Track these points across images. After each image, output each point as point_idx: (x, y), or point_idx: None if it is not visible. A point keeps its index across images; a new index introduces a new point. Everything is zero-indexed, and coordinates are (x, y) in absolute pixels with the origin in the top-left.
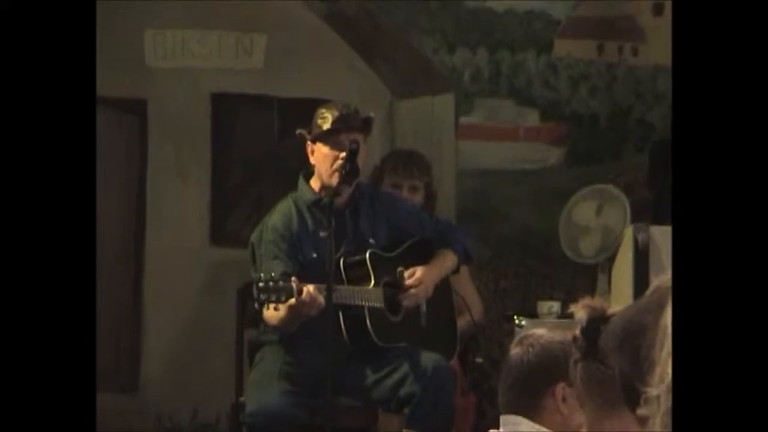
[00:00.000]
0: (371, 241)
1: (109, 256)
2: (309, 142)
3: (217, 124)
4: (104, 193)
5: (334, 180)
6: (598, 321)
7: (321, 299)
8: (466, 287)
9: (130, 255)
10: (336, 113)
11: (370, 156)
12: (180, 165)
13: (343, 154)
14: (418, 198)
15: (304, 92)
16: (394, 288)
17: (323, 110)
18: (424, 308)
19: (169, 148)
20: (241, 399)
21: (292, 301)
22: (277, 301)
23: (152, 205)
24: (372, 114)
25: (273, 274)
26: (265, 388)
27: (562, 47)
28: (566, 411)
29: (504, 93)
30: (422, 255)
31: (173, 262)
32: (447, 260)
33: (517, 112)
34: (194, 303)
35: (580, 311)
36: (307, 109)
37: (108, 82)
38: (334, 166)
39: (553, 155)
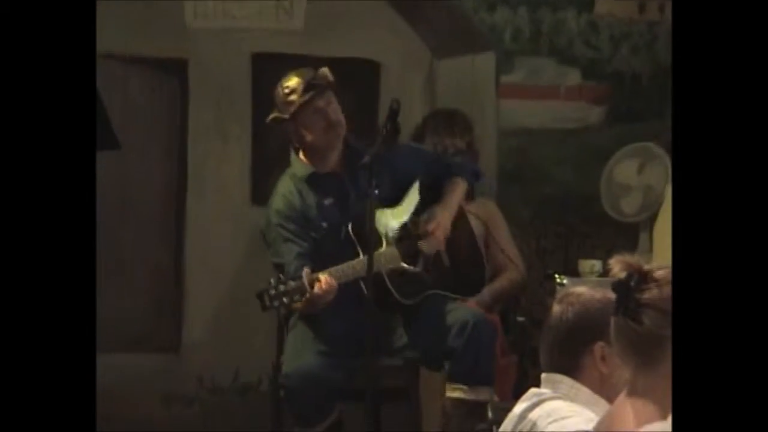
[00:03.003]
0: (376, 192)
1: (151, 218)
2: (289, 121)
3: (258, 84)
4: (145, 155)
5: (328, 143)
6: (632, 278)
7: (334, 284)
8: (507, 246)
9: (172, 216)
10: (300, 81)
11: (412, 115)
12: (221, 126)
13: (332, 117)
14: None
15: (344, 52)
16: (408, 239)
17: (285, 85)
18: (443, 247)
19: (210, 110)
20: (282, 359)
21: (307, 295)
22: (291, 302)
23: (193, 167)
24: (326, 69)
25: (281, 277)
26: (301, 350)
27: (603, 6)
28: (605, 370)
29: (545, 52)
30: (431, 197)
31: (215, 223)
32: (457, 189)
33: (558, 71)
34: (236, 264)
35: (616, 267)
36: (347, 70)
37: (148, 44)
38: (323, 131)
39: (594, 114)
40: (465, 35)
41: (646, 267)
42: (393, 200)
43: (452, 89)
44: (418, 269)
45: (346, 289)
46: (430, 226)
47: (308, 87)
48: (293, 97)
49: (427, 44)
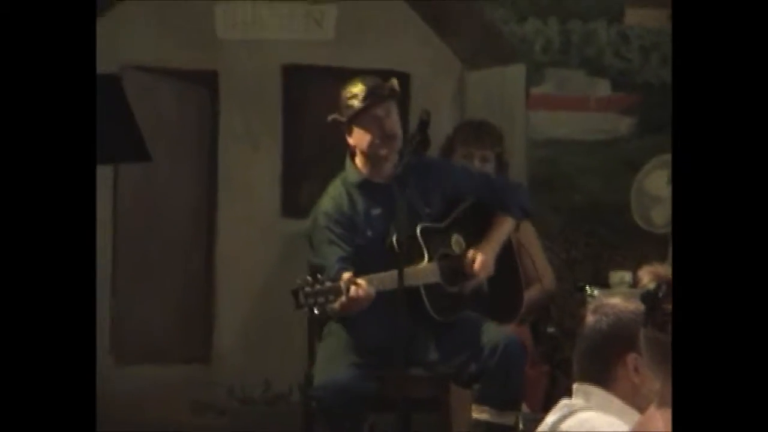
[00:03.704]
0: (427, 210)
1: (182, 229)
2: (345, 125)
3: (288, 95)
4: (176, 166)
5: (382, 154)
6: (661, 288)
7: (371, 292)
8: (537, 257)
9: (203, 226)
10: (363, 88)
11: (442, 127)
12: (251, 137)
13: (388, 128)
14: (488, 168)
15: (374, 63)
16: (450, 258)
17: (349, 90)
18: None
19: (240, 120)
20: (313, 370)
21: (342, 299)
22: (326, 302)
23: (224, 177)
24: (395, 80)
25: (319, 276)
26: (332, 362)
27: (633, 16)
28: (638, 380)
29: (575, 63)
30: (478, 217)
31: (245, 234)
32: (504, 227)
33: (588, 81)
34: (266, 274)
35: (645, 277)
36: (379, 78)
37: (179, 55)
38: (378, 141)
39: (625, 125)
40: (495, 46)
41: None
42: (442, 217)
43: (482, 100)
44: (455, 290)
45: (381, 300)
46: (476, 268)
47: (370, 95)
48: (353, 102)
49: (457, 55)
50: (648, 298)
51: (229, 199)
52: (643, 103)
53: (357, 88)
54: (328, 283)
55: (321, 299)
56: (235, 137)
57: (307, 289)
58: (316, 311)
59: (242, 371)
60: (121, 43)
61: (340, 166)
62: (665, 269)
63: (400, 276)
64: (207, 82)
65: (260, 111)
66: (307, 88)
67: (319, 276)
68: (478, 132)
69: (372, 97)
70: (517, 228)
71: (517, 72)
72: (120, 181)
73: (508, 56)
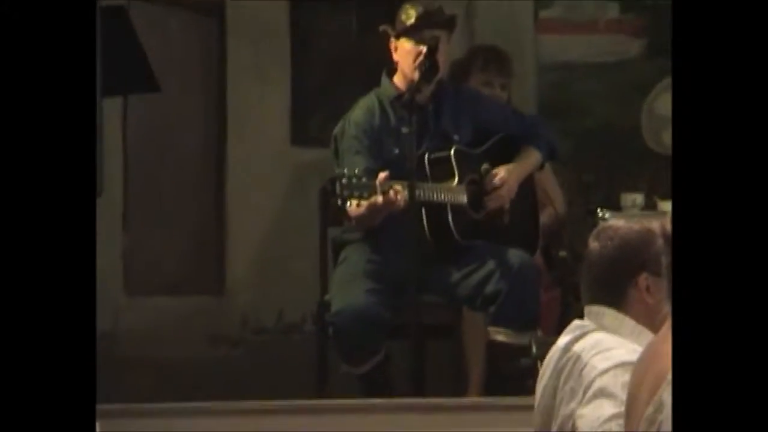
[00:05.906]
0: (455, 137)
1: (192, 161)
2: (392, 39)
3: (296, 24)
4: (185, 96)
5: (417, 76)
6: None
7: (405, 196)
8: (548, 182)
9: (213, 157)
10: (420, 9)
11: (451, 53)
12: (260, 67)
13: (424, 49)
14: (506, 95)
15: None
16: (478, 185)
17: (407, 6)
18: (507, 206)
19: (249, 50)
20: (326, 298)
21: (376, 198)
22: (360, 197)
23: (233, 108)
24: (456, 12)
25: (357, 171)
26: (350, 287)
27: None
28: (651, 300)
29: None
30: (508, 151)
31: (255, 164)
32: (531, 158)
33: (596, 4)
34: (277, 204)
35: None
36: (386, 8)
37: None
38: (417, 62)
39: (634, 47)
40: None
41: None
42: (473, 145)
43: (491, 26)
44: (479, 216)
45: (400, 222)
46: (496, 182)
47: (425, 15)
48: (407, 19)
49: None
50: None
51: (238, 130)
52: (653, 24)
53: (413, 8)
54: (365, 180)
55: (356, 193)
56: (243, 68)
57: (344, 180)
58: (349, 204)
59: (255, 302)
60: None
61: (349, 94)
62: None
63: (411, 194)
64: (214, 12)
65: (268, 40)
66: (315, 17)
67: (356, 171)
68: (496, 59)
69: (426, 19)
70: (542, 167)
71: None
72: (130, 113)
73: None
